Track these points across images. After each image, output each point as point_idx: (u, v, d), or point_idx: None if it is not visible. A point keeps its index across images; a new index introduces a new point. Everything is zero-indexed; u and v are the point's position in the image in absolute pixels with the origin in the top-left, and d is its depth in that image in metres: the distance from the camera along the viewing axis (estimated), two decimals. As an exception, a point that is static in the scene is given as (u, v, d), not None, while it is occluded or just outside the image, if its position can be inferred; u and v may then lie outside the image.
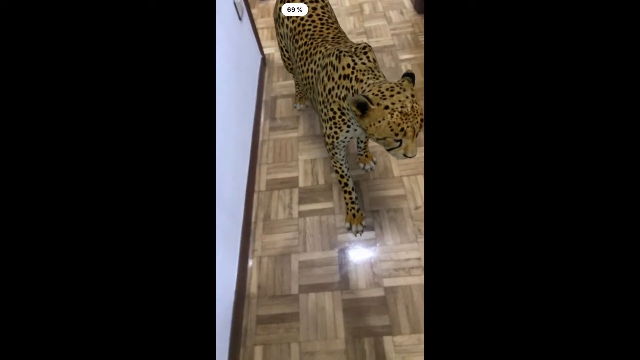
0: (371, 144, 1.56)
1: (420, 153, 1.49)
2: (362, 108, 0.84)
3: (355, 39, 2.09)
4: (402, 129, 0.82)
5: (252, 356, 1.09)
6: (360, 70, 0.92)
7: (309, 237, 1.33)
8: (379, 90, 0.84)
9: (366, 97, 0.83)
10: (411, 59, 1.91)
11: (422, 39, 2.01)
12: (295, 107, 1.76)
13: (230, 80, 1.31)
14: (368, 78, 0.90)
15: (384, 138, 0.85)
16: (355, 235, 1.31)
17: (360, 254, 1.26)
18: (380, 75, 0.92)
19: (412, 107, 0.81)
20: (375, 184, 1.43)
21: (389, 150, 0.88)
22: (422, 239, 1.26)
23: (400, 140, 0.85)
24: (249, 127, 1.57)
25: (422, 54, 1.93)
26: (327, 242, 1.31)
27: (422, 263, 1.20)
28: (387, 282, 1.18)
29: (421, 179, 1.42)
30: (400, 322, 1.10)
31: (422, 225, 1.29)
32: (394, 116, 0.81)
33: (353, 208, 1.29)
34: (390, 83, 0.86)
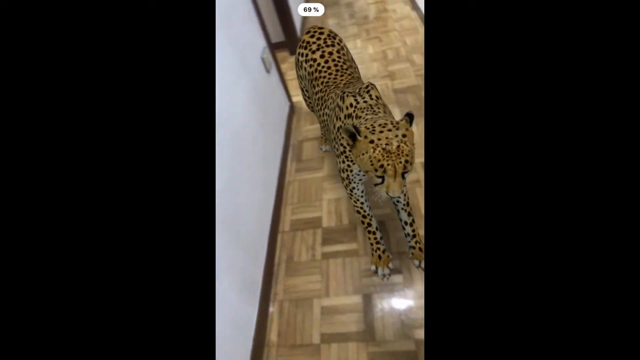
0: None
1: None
2: (352, 138, 0.86)
3: (379, 82, 2.15)
4: (381, 166, 0.82)
5: (269, 414, 1.00)
6: (361, 109, 0.95)
7: (332, 280, 1.26)
8: (371, 125, 0.86)
9: (355, 127, 0.84)
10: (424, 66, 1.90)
11: (446, 77, 2.02)
12: (321, 149, 1.80)
13: (255, 126, 1.39)
14: (366, 114, 0.93)
15: (367, 172, 0.86)
16: (382, 279, 1.21)
17: (388, 300, 1.16)
18: (380, 112, 0.94)
19: (397, 146, 0.81)
20: (402, 223, 1.36)
21: (375, 185, 0.88)
22: (456, 284, 1.13)
23: (383, 177, 0.84)
24: (274, 169, 1.62)
25: (448, 91, 1.92)
26: (350, 286, 1.23)
27: (458, 312, 1.07)
28: (419, 334, 1.05)
29: (452, 217, 1.32)
30: (434, 382, 0.95)
31: (455, 269, 1.17)
32: (376, 151, 0.82)
33: (378, 249, 1.22)
34: (387, 119, 0.87)
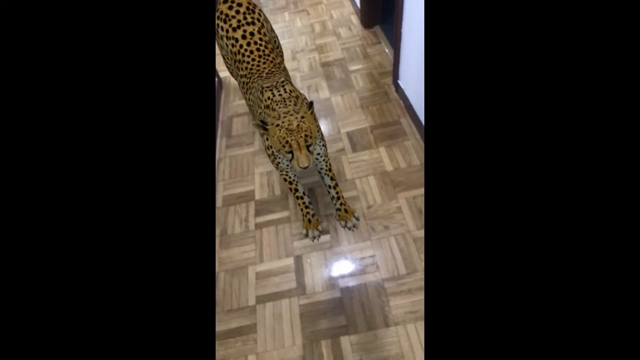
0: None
1: (366, 156, 1.54)
2: (263, 128, 1.02)
3: (307, 56, 2.18)
4: (287, 142, 0.98)
5: (210, 375, 1.06)
6: (276, 101, 1.08)
7: (266, 247, 1.33)
8: (277, 114, 1.02)
9: (262, 121, 1.02)
10: (360, 69, 2.00)
11: (369, 50, 2.12)
12: (252, 124, 1.80)
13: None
14: (279, 107, 1.07)
15: (279, 150, 1.02)
16: (313, 241, 1.32)
17: (317, 258, 1.26)
18: (291, 104, 1.07)
19: (297, 125, 0.98)
20: (329, 188, 1.46)
21: (290, 162, 1.04)
22: (375, 237, 1.28)
23: (292, 152, 1.00)
24: (203, 146, 1.59)
25: (370, 64, 2.03)
26: (283, 250, 1.31)
27: (376, 260, 1.22)
28: (343, 283, 1.18)
29: (372, 180, 1.45)
30: (356, 320, 1.09)
31: (374, 223, 1.32)
32: (281, 132, 0.98)
33: (308, 213, 1.31)
34: (289, 108, 1.03)
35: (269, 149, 1.19)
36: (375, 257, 1.23)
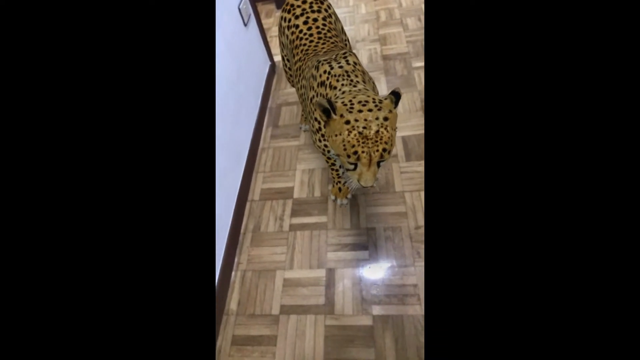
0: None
1: (421, 167, 1.36)
2: (326, 114, 0.74)
3: (368, 46, 2.01)
4: (355, 152, 0.71)
5: (223, 380, 1.01)
6: (335, 76, 0.83)
7: (298, 253, 1.23)
8: (350, 101, 0.74)
9: (330, 102, 0.72)
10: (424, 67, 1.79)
11: (439, 46, 1.89)
12: (300, 128, 1.66)
13: (224, 84, 1.27)
14: (342, 85, 0.81)
15: (337, 155, 0.75)
16: (340, 206, 1.31)
17: (350, 275, 1.15)
18: (358, 80, 0.82)
19: (377, 131, 0.70)
20: (374, 198, 1.32)
21: (346, 171, 0.78)
22: (420, 264, 1.12)
23: (355, 164, 0.74)
24: (247, 134, 1.53)
25: (438, 62, 1.80)
26: (316, 260, 1.21)
27: (419, 291, 1.07)
28: (377, 310, 1.05)
29: (424, 196, 1.28)
30: (387, 358, 0.96)
31: (421, 248, 1.16)
32: (351, 135, 0.70)
33: (339, 182, 1.27)
34: (368, 96, 0.75)
35: (321, 149, 0.99)
36: (418, 287, 1.08)
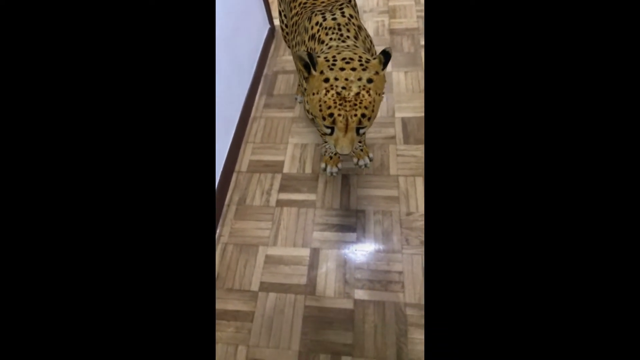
0: (369, 135, 1.38)
1: (419, 152, 1.30)
2: (307, 69, 0.66)
3: (375, 18, 1.88)
4: (331, 114, 0.64)
5: (195, 353, 0.98)
6: (325, 28, 0.74)
7: (283, 229, 1.18)
8: (333, 57, 0.65)
9: (311, 56, 0.63)
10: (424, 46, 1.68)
11: (450, 24, 1.78)
12: (295, 99, 1.57)
13: (220, 45, 1.16)
14: (331, 39, 0.72)
15: (314, 117, 0.69)
16: (330, 176, 1.27)
17: (335, 257, 1.11)
18: (349, 35, 0.73)
19: (357, 93, 0.62)
20: (367, 180, 1.26)
21: (322, 136, 0.71)
22: (408, 250, 1.09)
23: (332, 129, 0.67)
24: (239, 100, 1.43)
25: (448, 41, 1.70)
26: (300, 238, 1.16)
27: (404, 278, 1.04)
28: (359, 295, 1.02)
29: (420, 181, 1.23)
30: (365, 343, 0.94)
31: (410, 235, 1.12)
32: (328, 95, 0.63)
33: (331, 152, 1.20)
34: (355, 53, 0.66)
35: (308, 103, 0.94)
36: (403, 274, 1.05)
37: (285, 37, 1.26)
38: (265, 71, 1.71)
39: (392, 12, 1.90)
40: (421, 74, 1.57)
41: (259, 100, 1.58)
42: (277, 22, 1.94)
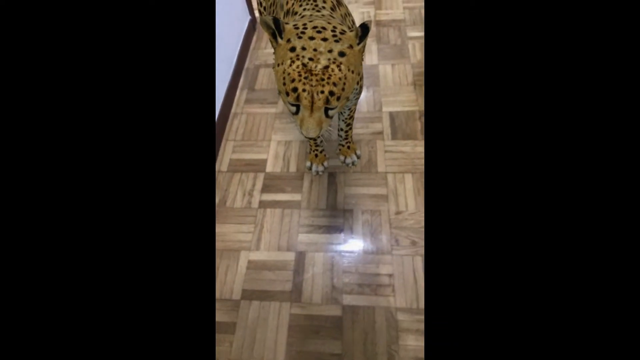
0: (356, 131, 1.32)
1: (408, 147, 1.25)
2: (274, 36, 0.59)
3: (361, 9, 1.81)
4: (294, 89, 0.56)
5: (172, 369, 0.91)
6: (300, 0, 0.66)
7: (266, 232, 1.12)
8: (304, 25, 0.58)
9: (277, 21, 0.56)
10: (420, 37, 1.63)
11: (438, 15, 1.73)
12: (278, 94, 1.49)
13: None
14: (305, 9, 0.64)
15: (280, 92, 0.61)
16: (315, 175, 1.22)
17: (322, 261, 1.05)
18: (324, 7, 0.66)
19: (325, 67, 0.55)
20: (354, 178, 1.20)
21: (292, 114, 0.64)
22: (398, 252, 1.04)
23: (297, 106, 0.59)
24: (219, 94, 1.34)
25: (435, 33, 1.65)
26: (285, 241, 1.09)
27: (394, 281, 0.99)
28: (348, 300, 0.97)
29: (409, 179, 1.18)
30: (354, 352, 0.89)
31: (400, 234, 1.07)
32: (293, 66, 0.55)
33: (316, 150, 1.18)
34: (329, 23, 0.59)
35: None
36: (394, 277, 0.99)
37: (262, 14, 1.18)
38: (246, 64, 1.62)
39: (378, 3, 1.83)
40: (408, 67, 1.51)
41: (240, 95, 1.50)
42: (257, 13, 1.85)
